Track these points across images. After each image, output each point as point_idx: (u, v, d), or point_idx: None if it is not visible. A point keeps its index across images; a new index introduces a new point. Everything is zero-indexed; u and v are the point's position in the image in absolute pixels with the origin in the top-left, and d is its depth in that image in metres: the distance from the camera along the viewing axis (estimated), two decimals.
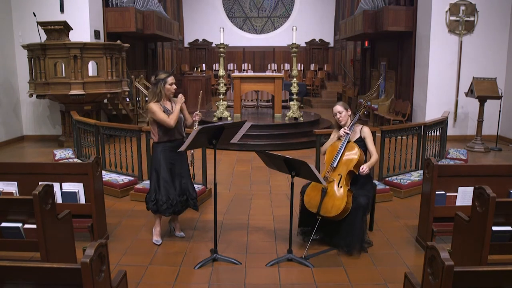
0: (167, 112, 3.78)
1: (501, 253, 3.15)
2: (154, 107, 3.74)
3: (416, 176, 5.62)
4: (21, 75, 8.64)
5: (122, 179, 5.50)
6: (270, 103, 11.17)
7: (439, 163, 3.95)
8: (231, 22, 20.06)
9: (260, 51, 19.85)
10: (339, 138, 3.88)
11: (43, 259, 2.88)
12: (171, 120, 3.74)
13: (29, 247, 3.04)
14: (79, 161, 6.16)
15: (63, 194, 3.80)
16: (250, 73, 14.67)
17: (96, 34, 9.09)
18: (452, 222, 3.33)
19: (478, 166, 4.20)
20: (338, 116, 3.89)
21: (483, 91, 7.75)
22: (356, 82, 14.93)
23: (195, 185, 4.21)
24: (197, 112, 3.95)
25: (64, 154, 6.64)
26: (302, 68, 19.22)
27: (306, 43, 19.21)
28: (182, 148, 3.49)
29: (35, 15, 8.01)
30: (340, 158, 3.75)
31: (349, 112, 3.93)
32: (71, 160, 6.29)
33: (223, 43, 8.55)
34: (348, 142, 3.81)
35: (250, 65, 19.82)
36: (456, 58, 8.84)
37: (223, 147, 7.27)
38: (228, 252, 3.75)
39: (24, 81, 8.26)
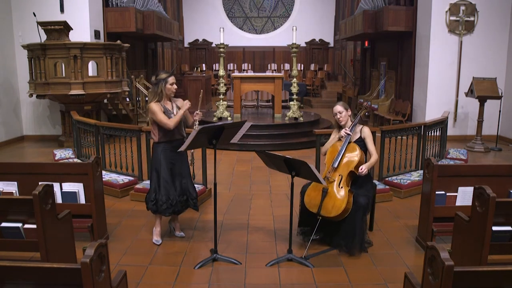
0: (167, 112, 3.78)
1: (501, 253, 3.15)
2: (155, 107, 3.74)
3: (416, 176, 5.62)
4: (21, 75, 8.64)
5: (122, 179, 5.50)
6: (270, 103, 11.17)
7: (439, 163, 3.95)
8: (231, 22, 20.07)
9: (260, 51, 19.85)
10: (340, 139, 3.89)
11: (43, 259, 2.88)
12: (171, 123, 3.73)
13: (29, 247, 3.04)
14: (79, 161, 6.16)
15: (63, 194, 3.80)
16: (250, 73, 14.67)
17: (96, 34, 9.09)
18: (452, 222, 3.33)
19: (478, 166, 4.20)
20: (338, 116, 3.89)
21: (483, 91, 7.75)
22: (356, 82, 14.93)
23: (195, 185, 4.20)
24: (197, 112, 3.94)
25: (64, 154, 6.64)
26: (302, 68, 19.22)
27: (306, 43, 19.21)
28: (182, 148, 3.49)
29: (35, 15, 8.01)
30: (341, 159, 3.75)
31: (349, 112, 3.93)
32: (71, 160, 6.29)
33: (223, 43, 8.55)
34: (349, 143, 3.81)
35: (250, 65, 19.82)
36: (456, 58, 8.84)
37: (223, 147, 7.27)
38: (228, 252, 3.75)
39: (24, 81, 8.26)
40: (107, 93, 7.83)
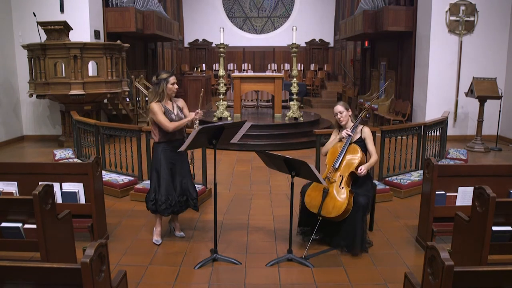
0: (167, 112, 3.78)
1: (501, 253, 3.15)
2: (156, 107, 3.74)
3: (416, 176, 5.62)
4: (21, 75, 8.64)
5: (122, 179, 5.50)
6: (270, 103, 11.17)
7: (439, 163, 3.95)
8: (231, 22, 20.07)
9: (260, 51, 19.85)
10: (341, 140, 3.89)
11: (43, 259, 2.88)
12: (171, 126, 3.73)
13: (29, 247, 3.04)
14: (79, 161, 6.16)
15: (63, 194, 3.80)
16: (250, 73, 14.66)
17: (96, 34, 9.09)
18: (452, 222, 3.32)
19: (478, 166, 4.20)
20: (339, 116, 3.89)
21: (483, 91, 7.75)
22: (356, 82, 14.93)
23: (195, 185, 4.20)
24: (198, 110, 3.93)
25: (64, 154, 6.64)
26: (302, 68, 19.22)
27: (306, 43, 19.21)
28: (182, 148, 3.49)
29: (35, 15, 8.01)
30: (342, 160, 3.75)
31: (350, 112, 3.93)
32: (71, 160, 6.29)
33: (223, 43, 8.54)
34: (350, 143, 3.81)
35: (250, 65, 19.82)
36: (456, 58, 8.84)
37: (223, 147, 7.27)
38: (228, 252, 3.75)
39: (24, 81, 8.26)
40: (107, 93, 7.83)
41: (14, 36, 8.62)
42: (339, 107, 3.90)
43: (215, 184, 3.71)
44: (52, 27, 7.58)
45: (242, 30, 20.25)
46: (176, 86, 3.84)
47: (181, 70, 18.28)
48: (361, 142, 3.86)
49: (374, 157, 3.83)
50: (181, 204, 3.93)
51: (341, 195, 3.63)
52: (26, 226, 3.05)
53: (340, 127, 3.95)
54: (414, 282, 2.25)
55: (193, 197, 3.97)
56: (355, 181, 3.79)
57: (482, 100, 7.83)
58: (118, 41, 8.19)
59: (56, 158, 6.51)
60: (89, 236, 3.84)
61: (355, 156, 3.75)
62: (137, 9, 10.07)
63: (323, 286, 3.25)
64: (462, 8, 8.69)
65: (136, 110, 9.62)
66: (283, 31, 19.67)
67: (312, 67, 19.31)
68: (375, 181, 4.73)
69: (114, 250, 3.76)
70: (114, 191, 5.30)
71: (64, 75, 7.58)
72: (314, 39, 19.45)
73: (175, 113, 3.84)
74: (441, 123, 6.45)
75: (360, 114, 4.05)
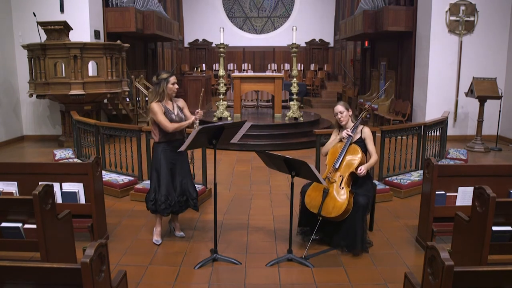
0: (167, 112, 3.78)
1: (501, 253, 3.15)
2: (156, 107, 3.74)
3: (416, 176, 5.62)
4: (21, 75, 8.64)
5: (122, 179, 5.50)
6: (270, 103, 11.17)
7: (439, 163, 3.94)
8: (231, 22, 20.07)
9: (260, 51, 19.85)
10: (341, 140, 3.89)
11: (43, 259, 2.88)
12: (170, 126, 3.73)
13: (29, 247, 3.04)
14: (79, 161, 6.16)
15: (63, 194, 3.80)
16: (250, 73, 14.67)
17: (96, 34, 9.09)
18: (452, 222, 3.33)
19: (478, 166, 4.20)
20: (339, 116, 3.89)
21: (483, 91, 7.75)
22: (356, 82, 14.93)
23: (195, 185, 4.20)
24: (198, 110, 3.93)
25: (64, 154, 6.64)
26: (302, 68, 19.22)
27: (306, 43, 19.21)
28: (182, 148, 3.49)
29: (35, 15, 8.01)
30: (342, 160, 3.75)
31: (350, 112, 3.93)
32: (71, 160, 6.29)
33: (223, 43, 8.54)
34: (350, 144, 3.81)
35: (250, 65, 19.82)
36: (456, 58, 8.84)
37: (223, 147, 7.27)
38: (228, 252, 3.75)
39: (24, 81, 8.26)
40: (107, 93, 7.83)
41: (14, 36, 8.63)
42: (339, 107, 3.90)
43: (215, 184, 3.71)
44: (52, 27, 7.58)
45: (242, 30, 20.25)
46: (176, 86, 3.84)
47: (181, 70, 18.28)
48: (361, 142, 3.86)
49: (374, 157, 3.83)
50: (181, 204, 3.93)
51: (341, 195, 3.63)
52: (26, 226, 3.05)
53: (340, 127, 3.95)
54: (414, 282, 2.25)
55: (193, 197, 3.97)
56: (355, 181, 3.79)
57: (482, 100, 7.83)
58: (118, 41, 8.19)
59: (56, 158, 6.51)
60: (89, 236, 3.84)
61: (355, 157, 3.75)
62: (137, 9, 10.07)
63: (323, 286, 3.25)
64: (462, 8, 8.69)
65: (136, 110, 9.62)
66: (283, 31, 19.67)
67: (312, 67, 19.31)
68: (375, 181, 4.73)
69: (114, 250, 3.76)
70: (114, 191, 5.30)
71: (64, 75, 7.58)
72: (314, 39, 19.45)
73: (175, 113, 3.84)
74: (441, 123, 6.45)
75: (361, 115, 4.05)
